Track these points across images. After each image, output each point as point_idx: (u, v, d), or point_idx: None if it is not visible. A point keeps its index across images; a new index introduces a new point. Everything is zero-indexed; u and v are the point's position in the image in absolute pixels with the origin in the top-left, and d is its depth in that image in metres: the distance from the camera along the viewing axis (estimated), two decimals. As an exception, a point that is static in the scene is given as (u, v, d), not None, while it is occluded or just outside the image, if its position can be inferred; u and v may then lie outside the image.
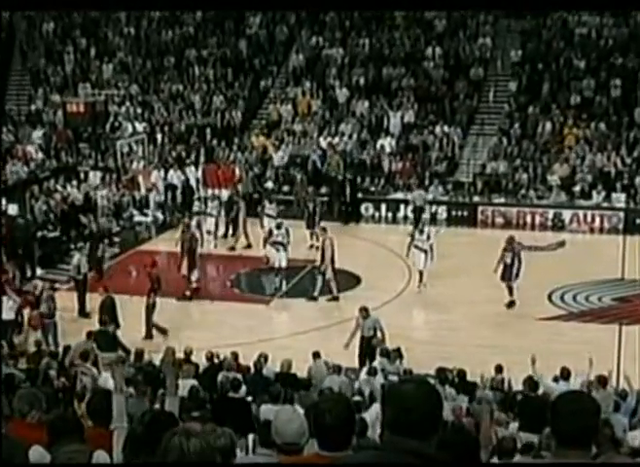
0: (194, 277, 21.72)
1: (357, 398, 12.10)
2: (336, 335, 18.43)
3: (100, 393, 7.29)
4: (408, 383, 3.52)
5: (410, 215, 27.87)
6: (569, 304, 21.06)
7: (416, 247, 21.93)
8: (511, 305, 20.60)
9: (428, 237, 22.06)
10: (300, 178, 29.37)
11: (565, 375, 13.97)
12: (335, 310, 20.66)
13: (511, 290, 20.62)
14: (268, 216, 25.11)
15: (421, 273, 21.80)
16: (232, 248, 25.25)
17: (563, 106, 31.26)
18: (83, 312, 20.27)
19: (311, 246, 24.71)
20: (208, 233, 25.02)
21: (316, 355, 15.32)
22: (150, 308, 19.20)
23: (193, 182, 29.59)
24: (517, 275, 20.56)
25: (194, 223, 23.55)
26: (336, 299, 21.30)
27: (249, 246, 25.41)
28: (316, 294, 21.31)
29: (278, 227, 22.63)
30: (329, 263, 21.08)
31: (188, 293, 21.51)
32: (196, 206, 28.03)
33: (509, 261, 20.60)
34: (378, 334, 16.91)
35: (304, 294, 21.54)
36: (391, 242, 25.83)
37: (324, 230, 22.31)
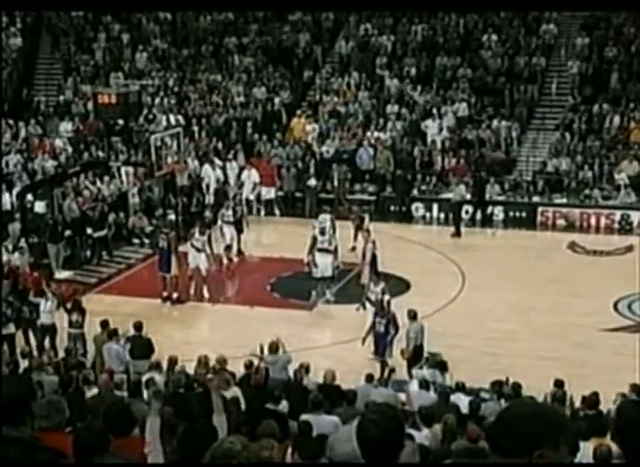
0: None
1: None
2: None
3: (117, 401, 7.36)
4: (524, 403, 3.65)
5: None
6: (637, 313, 20.86)
7: (369, 300, 19.42)
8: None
9: (383, 292, 18.86)
10: (338, 175, 29.37)
11: (638, 391, 13.59)
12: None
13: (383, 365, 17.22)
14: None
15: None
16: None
17: (633, 98, 30.96)
18: None
19: (353, 248, 24.18)
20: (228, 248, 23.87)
21: (369, 379, 14.71)
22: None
23: (232, 179, 29.63)
24: (392, 344, 17.36)
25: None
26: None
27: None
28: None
29: (322, 233, 22.13)
30: (367, 267, 21.02)
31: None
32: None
33: (382, 329, 17.38)
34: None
35: (350, 300, 21.43)
36: (442, 245, 25.76)
37: (367, 231, 22.26)
